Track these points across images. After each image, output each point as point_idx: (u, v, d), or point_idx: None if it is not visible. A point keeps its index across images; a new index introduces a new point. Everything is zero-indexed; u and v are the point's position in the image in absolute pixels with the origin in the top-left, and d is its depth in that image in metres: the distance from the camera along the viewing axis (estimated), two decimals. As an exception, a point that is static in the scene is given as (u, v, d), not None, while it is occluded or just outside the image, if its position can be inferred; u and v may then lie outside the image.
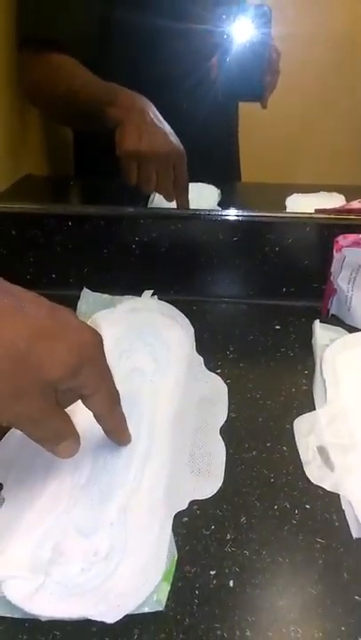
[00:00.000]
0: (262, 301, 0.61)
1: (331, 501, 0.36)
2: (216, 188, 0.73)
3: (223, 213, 0.60)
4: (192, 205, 0.66)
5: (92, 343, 0.33)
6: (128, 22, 0.64)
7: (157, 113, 0.62)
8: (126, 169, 0.62)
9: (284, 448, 0.40)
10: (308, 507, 0.35)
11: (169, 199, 0.64)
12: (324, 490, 0.36)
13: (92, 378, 0.33)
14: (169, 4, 0.66)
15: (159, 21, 0.64)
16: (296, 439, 0.41)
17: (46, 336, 0.31)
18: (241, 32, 0.62)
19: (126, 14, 0.64)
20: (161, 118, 0.62)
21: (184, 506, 0.35)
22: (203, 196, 0.71)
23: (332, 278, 0.55)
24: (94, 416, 0.36)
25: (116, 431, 0.38)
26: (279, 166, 0.88)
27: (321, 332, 0.53)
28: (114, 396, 0.36)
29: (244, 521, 0.34)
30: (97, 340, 0.33)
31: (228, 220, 0.59)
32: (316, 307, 0.59)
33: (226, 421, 0.43)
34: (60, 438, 0.34)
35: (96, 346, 0.33)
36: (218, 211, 0.62)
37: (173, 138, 0.63)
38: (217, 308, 0.60)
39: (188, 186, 0.65)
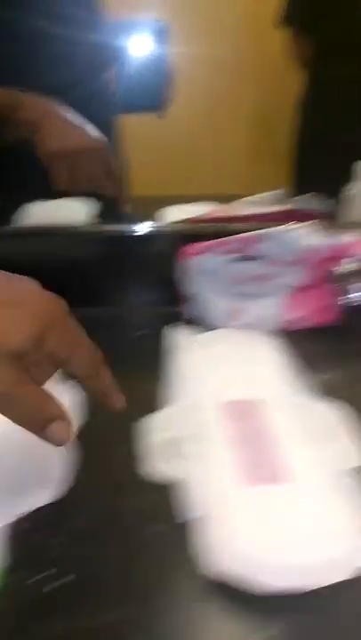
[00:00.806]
0: (125, 309, 0.62)
1: (175, 492, 0.37)
2: (88, 203, 0.72)
3: (79, 228, 0.61)
4: (63, 221, 0.67)
5: (53, 308, 0.32)
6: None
7: (69, 110, 0.61)
8: (55, 171, 0.60)
9: (132, 448, 0.41)
10: (151, 497, 0.36)
11: (107, 192, 0.64)
12: (168, 482, 0.37)
13: (61, 342, 0.32)
14: (47, 6, 0.66)
15: (38, 24, 0.63)
16: (145, 436, 0.42)
17: (1, 305, 0.30)
18: (140, 45, 0.64)
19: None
20: (75, 115, 0.61)
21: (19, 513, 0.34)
22: (74, 212, 0.71)
23: (184, 284, 0.58)
24: (80, 383, 0.35)
25: (106, 393, 0.35)
26: (164, 179, 0.90)
27: (177, 334, 0.55)
28: (94, 357, 0.34)
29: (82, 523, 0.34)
30: (59, 304, 0.32)
31: (83, 233, 0.61)
32: (177, 312, 0.61)
33: (81, 425, 0.43)
34: (46, 419, 0.31)
35: (58, 310, 0.32)
36: (74, 225, 0.63)
37: (95, 132, 0.61)
38: (78, 318, 0.61)
39: (124, 176, 0.65)
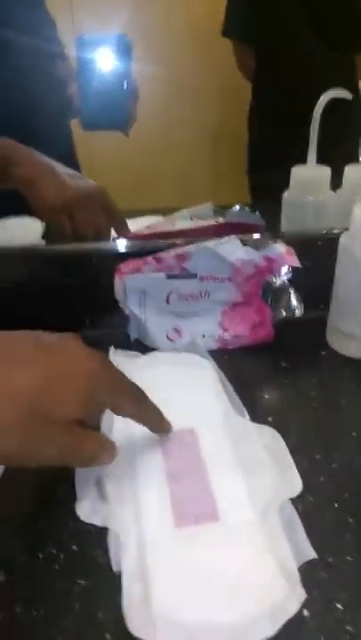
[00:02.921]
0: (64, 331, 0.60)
1: (101, 538, 0.35)
2: (40, 221, 0.71)
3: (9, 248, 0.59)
4: (16, 241, 0.65)
5: (99, 367, 0.34)
6: None
7: (59, 164, 0.61)
8: (58, 224, 0.61)
9: (60, 488, 0.39)
10: (75, 548, 0.35)
11: (110, 233, 0.65)
12: (96, 527, 0.36)
13: (108, 398, 0.36)
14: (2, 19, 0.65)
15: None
16: (76, 475, 0.40)
17: (49, 379, 0.32)
18: (104, 61, 0.61)
19: None
20: (65, 167, 0.62)
21: None
22: (27, 230, 0.70)
23: (121, 305, 0.56)
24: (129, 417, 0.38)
25: (152, 424, 0.40)
26: (125, 194, 0.89)
27: (114, 358, 0.54)
28: (135, 398, 0.38)
29: (3, 578, 0.33)
30: (102, 360, 0.35)
31: (14, 254, 0.58)
32: (124, 333, 0.59)
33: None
34: (96, 458, 0.36)
35: (103, 367, 0.35)
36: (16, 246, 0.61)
37: (84, 179, 0.63)
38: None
39: (122, 216, 0.66)
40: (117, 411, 0.37)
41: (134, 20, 0.75)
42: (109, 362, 0.37)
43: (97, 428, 0.42)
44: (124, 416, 0.38)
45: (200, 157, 1.10)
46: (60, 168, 0.61)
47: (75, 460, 0.36)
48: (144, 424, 0.40)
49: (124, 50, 0.62)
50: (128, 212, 0.75)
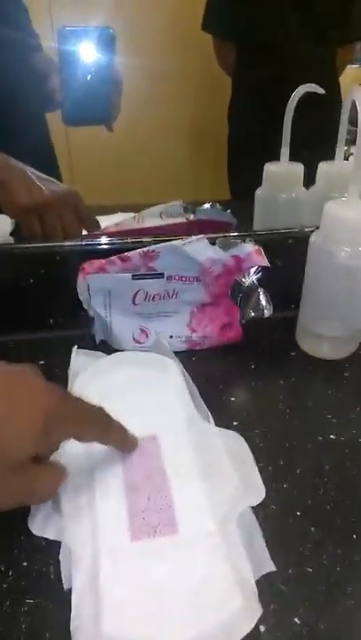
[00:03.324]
0: (28, 336, 0.58)
1: (54, 553, 0.34)
2: (9, 219, 0.68)
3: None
4: None
5: (52, 402, 0.33)
6: None
7: (27, 166, 0.60)
8: (27, 226, 0.60)
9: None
10: (25, 564, 0.33)
11: (80, 234, 0.64)
12: (48, 541, 0.35)
13: (68, 431, 0.34)
14: None
15: None
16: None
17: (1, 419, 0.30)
18: (86, 54, 0.60)
19: None
20: (35, 170, 0.60)
21: None
22: None
23: (85, 305, 0.55)
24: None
25: (117, 445, 0.40)
26: (106, 189, 0.88)
27: (77, 359, 0.52)
28: (98, 425, 0.36)
29: None
30: (56, 395, 0.33)
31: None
32: (89, 334, 0.58)
33: None
34: (53, 493, 0.36)
35: (57, 401, 0.33)
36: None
37: (57, 183, 0.62)
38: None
39: (95, 219, 0.65)
40: (81, 440, 0.36)
41: (115, 11, 0.72)
42: (67, 393, 0.36)
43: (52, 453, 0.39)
44: (87, 442, 0.37)
45: (182, 152, 1.09)
46: (33, 172, 0.60)
47: (30, 501, 0.35)
48: (110, 446, 0.39)
49: (108, 42, 0.60)
50: (104, 207, 0.73)
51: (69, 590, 0.31)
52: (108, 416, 0.37)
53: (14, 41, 0.70)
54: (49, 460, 0.36)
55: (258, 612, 0.29)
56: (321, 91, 0.62)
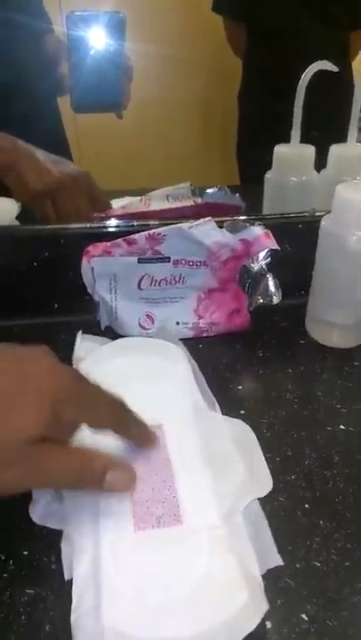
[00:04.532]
0: (32, 321, 0.57)
1: (55, 542, 0.33)
2: (15, 202, 0.67)
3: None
4: None
5: (63, 383, 0.32)
6: None
7: (38, 149, 0.59)
8: (41, 209, 0.59)
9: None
10: (25, 553, 0.33)
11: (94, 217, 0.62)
12: (50, 530, 0.34)
13: (78, 410, 0.33)
14: None
15: None
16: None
17: (7, 396, 0.30)
18: (96, 39, 0.58)
19: None
20: (45, 153, 0.59)
21: None
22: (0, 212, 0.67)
23: (89, 289, 0.53)
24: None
25: (135, 438, 0.37)
26: (115, 173, 0.86)
27: (82, 344, 0.51)
28: (116, 411, 0.35)
29: None
30: (67, 375, 0.33)
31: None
32: (93, 320, 0.56)
33: None
34: (96, 474, 0.32)
35: (68, 382, 0.32)
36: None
37: (68, 164, 0.60)
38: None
39: (107, 201, 0.64)
40: (93, 426, 0.34)
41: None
42: (82, 376, 0.34)
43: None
44: (103, 432, 0.35)
45: (191, 137, 1.07)
46: (43, 154, 0.59)
47: (54, 480, 0.32)
48: (126, 439, 0.37)
49: (118, 27, 0.58)
50: (115, 192, 0.72)
51: (70, 580, 0.30)
52: (126, 407, 0.36)
53: (27, 23, 0.68)
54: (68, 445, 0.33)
55: (264, 607, 0.28)
56: (335, 68, 0.60)
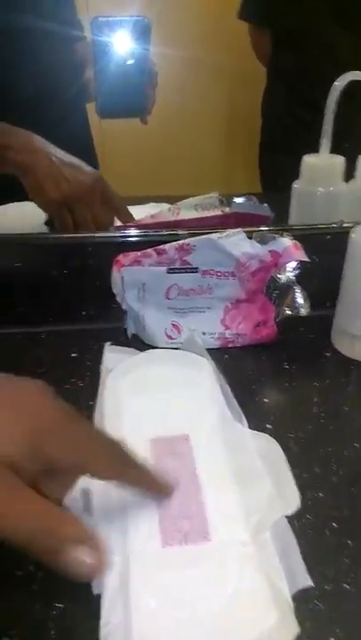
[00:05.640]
0: (60, 327, 0.58)
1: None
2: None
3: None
4: (16, 226, 0.63)
5: (51, 411, 0.29)
6: None
7: (56, 148, 0.59)
8: (58, 217, 0.59)
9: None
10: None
11: (110, 225, 0.63)
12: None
13: (64, 448, 0.28)
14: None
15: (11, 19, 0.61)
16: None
17: None
18: (121, 45, 0.58)
19: None
20: (62, 152, 0.59)
21: None
22: (25, 216, 0.67)
23: (118, 298, 0.54)
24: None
25: (141, 488, 0.34)
26: (139, 180, 0.87)
27: (109, 355, 0.51)
28: (113, 456, 0.31)
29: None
30: (58, 407, 0.30)
31: (5, 242, 0.56)
32: (120, 328, 0.57)
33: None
34: (61, 541, 0.25)
35: (57, 413, 0.29)
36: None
37: (85, 167, 0.60)
38: (9, 340, 0.56)
39: (124, 205, 0.63)
40: (91, 473, 0.30)
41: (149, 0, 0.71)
42: (76, 414, 0.30)
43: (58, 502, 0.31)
44: (100, 480, 0.31)
45: (214, 143, 1.07)
46: (58, 154, 0.58)
47: (15, 528, 0.25)
48: (130, 488, 0.34)
49: (143, 32, 0.58)
50: (136, 198, 0.72)
51: (99, 595, 0.31)
52: (126, 452, 0.32)
53: (62, 32, 0.69)
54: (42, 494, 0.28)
55: (294, 630, 0.28)
56: (366, 79, 0.59)
